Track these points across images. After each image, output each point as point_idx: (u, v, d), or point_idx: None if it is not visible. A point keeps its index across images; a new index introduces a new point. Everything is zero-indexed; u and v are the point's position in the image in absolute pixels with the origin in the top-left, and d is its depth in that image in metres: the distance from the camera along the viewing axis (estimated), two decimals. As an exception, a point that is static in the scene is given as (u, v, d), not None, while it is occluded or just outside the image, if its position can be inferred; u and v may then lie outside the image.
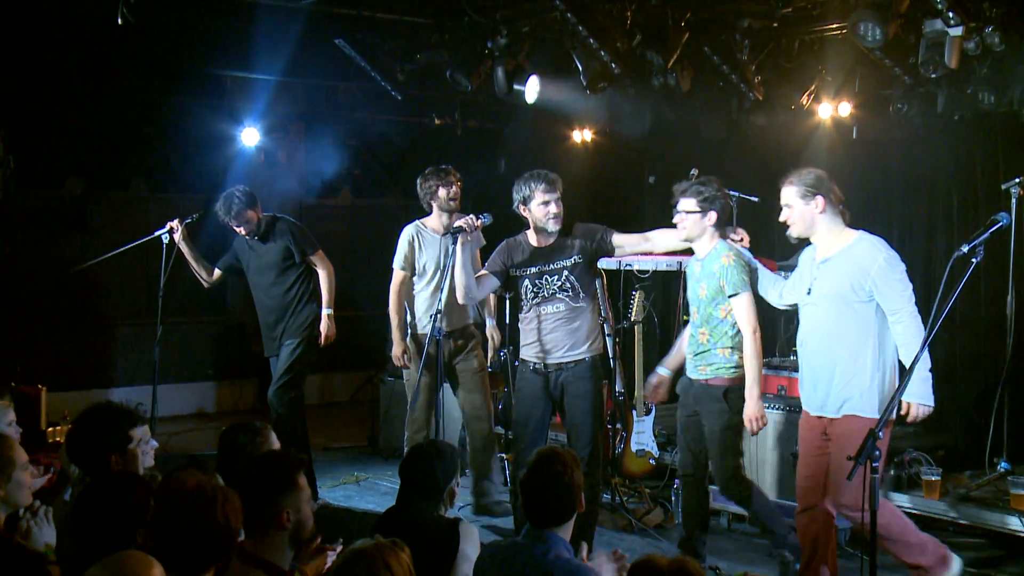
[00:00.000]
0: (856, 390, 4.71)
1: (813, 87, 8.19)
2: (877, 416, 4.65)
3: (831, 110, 8.42)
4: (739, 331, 5.30)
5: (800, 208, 4.79)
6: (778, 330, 8.19)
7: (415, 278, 6.72)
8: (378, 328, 9.66)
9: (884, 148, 8.87)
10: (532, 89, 8.05)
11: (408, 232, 6.77)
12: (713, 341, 5.32)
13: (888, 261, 4.67)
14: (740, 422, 5.30)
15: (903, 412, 4.64)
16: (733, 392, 5.28)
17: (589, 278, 5.58)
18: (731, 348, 5.31)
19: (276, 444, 4.24)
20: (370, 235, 11.82)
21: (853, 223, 4.95)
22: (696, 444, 5.50)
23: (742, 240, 5.43)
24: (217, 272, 7.33)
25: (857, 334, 4.70)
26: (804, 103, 8.29)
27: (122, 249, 7.63)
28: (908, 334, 4.63)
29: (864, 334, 4.70)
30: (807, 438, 5.01)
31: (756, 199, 7.11)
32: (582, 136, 10.92)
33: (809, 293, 4.86)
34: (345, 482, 7.84)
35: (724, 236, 5.38)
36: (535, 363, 5.62)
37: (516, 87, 8.02)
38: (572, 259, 5.55)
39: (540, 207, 5.53)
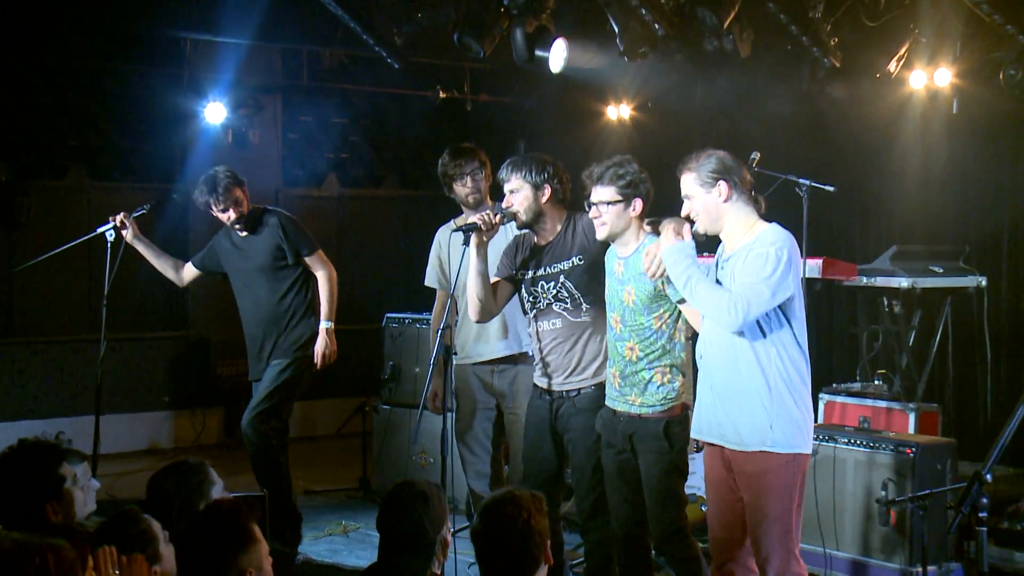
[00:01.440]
0: (765, 418, 4.67)
1: (903, 51, 8.15)
2: (791, 451, 4.64)
3: (925, 79, 8.38)
4: (679, 344, 5.20)
5: (702, 198, 4.79)
6: (859, 347, 8.16)
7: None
8: (370, 345, 9.63)
9: (991, 124, 8.82)
10: (558, 55, 8.04)
11: (436, 237, 6.55)
12: (646, 359, 5.17)
13: (769, 254, 4.60)
14: (683, 462, 5.22)
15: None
16: (675, 425, 5.17)
17: (596, 285, 5.48)
18: (670, 367, 5.18)
19: (218, 484, 4.22)
20: (361, 232, 11.82)
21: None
22: (634, 493, 5.31)
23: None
24: (192, 269, 7.29)
25: (763, 350, 4.68)
26: (892, 71, 8.24)
27: (58, 250, 7.63)
28: (725, 300, 4.60)
29: (768, 351, 4.68)
30: (713, 474, 4.94)
31: (832, 188, 7.08)
32: (618, 113, 10.91)
33: None
34: (331, 533, 7.81)
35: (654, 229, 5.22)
36: (541, 387, 5.62)
37: (538, 53, 8.00)
38: (570, 261, 5.51)
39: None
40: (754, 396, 4.70)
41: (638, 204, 5.17)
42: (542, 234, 5.61)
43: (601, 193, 5.18)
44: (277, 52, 10.54)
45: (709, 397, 4.88)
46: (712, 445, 4.91)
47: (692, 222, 4.90)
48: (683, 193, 4.86)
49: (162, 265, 7.30)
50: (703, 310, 4.79)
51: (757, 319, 4.65)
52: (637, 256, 5.16)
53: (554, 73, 8.14)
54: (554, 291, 5.52)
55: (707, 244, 5.02)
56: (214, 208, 6.89)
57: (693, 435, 5.01)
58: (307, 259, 6.98)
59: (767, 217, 4.86)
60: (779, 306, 4.65)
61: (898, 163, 9.06)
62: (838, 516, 6.43)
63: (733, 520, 4.86)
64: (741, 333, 4.70)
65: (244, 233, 7.00)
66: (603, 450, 5.38)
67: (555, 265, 5.54)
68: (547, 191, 5.55)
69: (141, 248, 7.15)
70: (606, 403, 5.36)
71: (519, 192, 5.55)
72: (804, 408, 4.72)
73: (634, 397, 5.20)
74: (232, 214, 6.89)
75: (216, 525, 3.53)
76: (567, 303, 5.50)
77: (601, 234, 5.23)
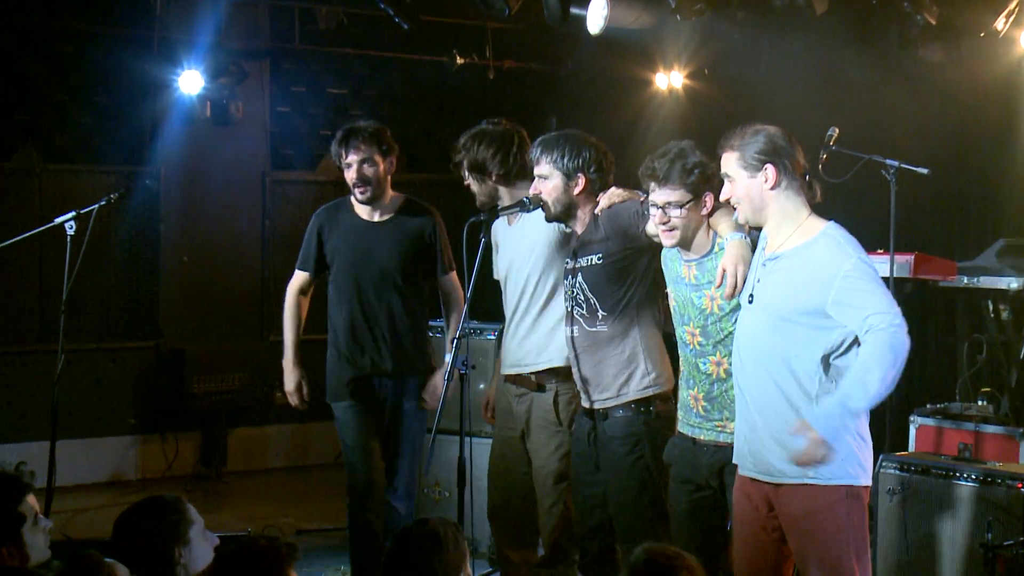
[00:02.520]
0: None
1: (1014, 5, 8.09)
2: (843, 483, 4.66)
3: (1040, 38, 8.32)
4: None
5: (745, 182, 4.82)
6: (958, 360, 8.09)
7: None
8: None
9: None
10: (597, 14, 8.04)
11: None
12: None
13: (859, 267, 4.67)
14: None
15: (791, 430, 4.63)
16: None
17: (617, 289, 5.54)
18: None
19: (198, 523, 4.23)
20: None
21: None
22: (709, 539, 5.31)
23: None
24: (305, 277, 6.87)
25: (801, 365, 4.71)
26: (1000, 29, 8.18)
27: (4, 244, 7.64)
28: (877, 347, 4.55)
29: (807, 365, 4.71)
30: (743, 513, 4.96)
31: (926, 171, 7.04)
32: (668, 81, 10.86)
33: (751, 300, 4.89)
34: (326, 582, 7.83)
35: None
36: (583, 406, 5.71)
37: (574, 12, 8.01)
38: (588, 258, 5.59)
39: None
40: (789, 422, 4.70)
41: (709, 200, 5.20)
42: (576, 225, 5.70)
43: (669, 195, 5.18)
44: (264, 10, 10.55)
45: (744, 419, 4.92)
46: (745, 478, 4.92)
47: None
48: (723, 172, 4.89)
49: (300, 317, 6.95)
50: (880, 358, 4.58)
51: (795, 326, 4.69)
52: (716, 257, 5.16)
53: (592, 35, 8.12)
54: (572, 292, 5.61)
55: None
56: (342, 157, 6.60)
57: (735, 460, 5.01)
58: (444, 277, 6.75)
59: (843, 207, 4.84)
60: (823, 313, 4.67)
61: (1006, 140, 8.97)
62: (933, 563, 6.39)
63: (764, 566, 4.90)
64: (775, 343, 4.74)
65: (383, 216, 6.68)
66: (674, 486, 5.37)
67: (577, 260, 5.63)
68: (580, 182, 5.62)
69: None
70: (681, 430, 5.36)
71: (548, 180, 5.63)
72: (856, 432, 4.72)
73: (725, 422, 5.20)
74: (355, 173, 6.55)
75: (255, 569, 3.67)
76: (583, 308, 5.59)
77: (670, 241, 5.23)
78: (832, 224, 4.79)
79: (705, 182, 5.16)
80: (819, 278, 4.67)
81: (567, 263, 5.71)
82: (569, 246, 5.78)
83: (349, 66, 11.16)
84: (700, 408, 5.24)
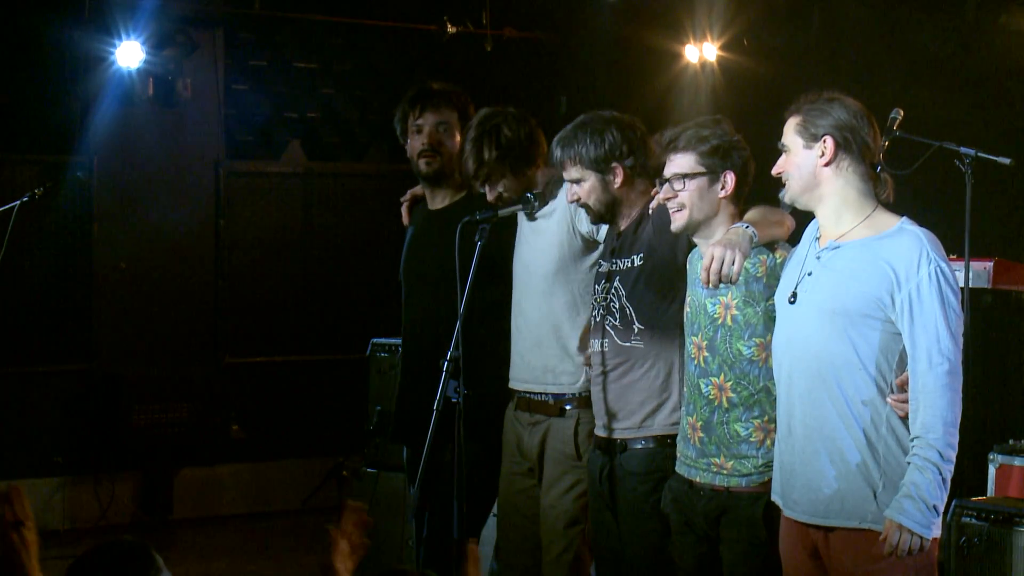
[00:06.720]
0: (863, 482, 4.69)
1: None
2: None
3: None
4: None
5: (799, 154, 4.84)
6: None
7: None
8: (349, 382, 9.62)
9: None
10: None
11: None
12: (742, 405, 5.19)
13: (944, 274, 4.66)
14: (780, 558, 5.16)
15: (880, 537, 4.60)
16: (776, 508, 5.09)
17: (659, 299, 5.55)
18: (773, 423, 5.10)
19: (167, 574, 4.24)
20: (336, 223, 11.81)
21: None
22: None
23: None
24: None
25: (855, 388, 4.72)
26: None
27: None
28: (937, 404, 4.60)
29: (868, 388, 4.71)
30: (793, 561, 4.95)
31: (1008, 161, 7.05)
32: (700, 53, 10.89)
33: (794, 300, 4.88)
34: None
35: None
36: (597, 436, 5.73)
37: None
38: (628, 259, 5.63)
39: None
40: (847, 449, 4.72)
41: (729, 180, 5.21)
42: (621, 219, 5.73)
43: (676, 163, 5.22)
44: (217, -31, 10.59)
45: (787, 446, 4.91)
46: (790, 520, 4.91)
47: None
48: (780, 142, 4.89)
49: None
50: (943, 421, 4.64)
51: (854, 321, 4.68)
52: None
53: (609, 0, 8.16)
54: (606, 299, 5.63)
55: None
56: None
57: (773, 498, 5.01)
58: None
59: (909, 204, 4.84)
60: (894, 332, 4.68)
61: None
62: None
63: None
64: (826, 348, 4.73)
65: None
66: (676, 536, 5.40)
67: (614, 261, 5.66)
68: (618, 174, 5.63)
69: None
70: (677, 470, 5.38)
71: (584, 183, 5.66)
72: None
73: (722, 461, 5.21)
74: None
75: None
76: (616, 318, 5.61)
77: (678, 222, 5.26)
78: (908, 220, 4.79)
79: (722, 157, 5.19)
80: (900, 271, 4.66)
81: (600, 265, 5.75)
82: (605, 245, 5.82)
83: (319, 35, 11.16)
84: (697, 439, 5.26)
